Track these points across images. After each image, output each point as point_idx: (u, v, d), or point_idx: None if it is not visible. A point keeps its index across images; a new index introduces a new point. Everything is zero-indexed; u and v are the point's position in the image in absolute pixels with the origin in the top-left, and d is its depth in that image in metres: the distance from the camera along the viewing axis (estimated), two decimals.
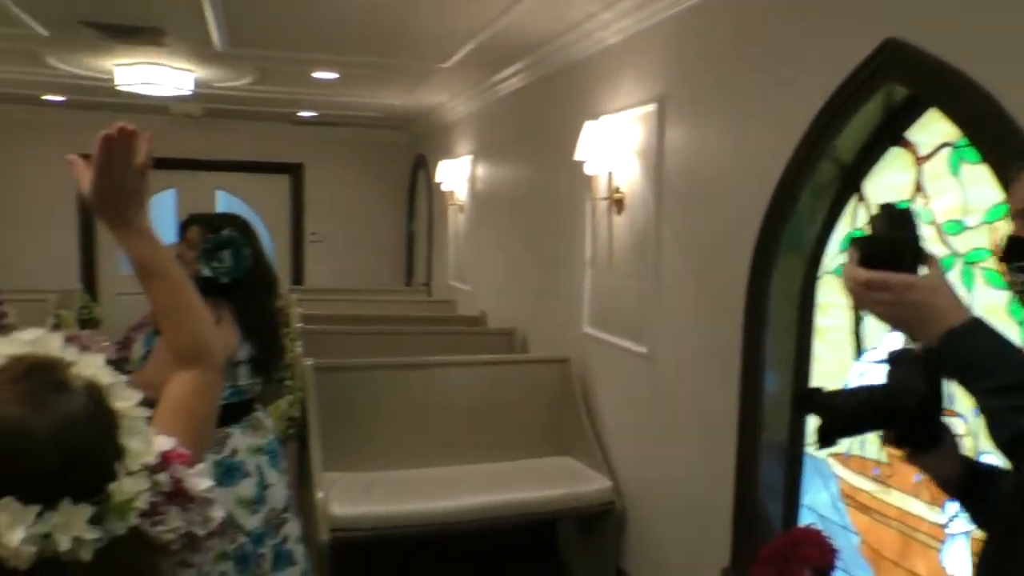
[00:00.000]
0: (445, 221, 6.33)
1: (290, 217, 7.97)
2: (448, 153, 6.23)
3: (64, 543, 0.72)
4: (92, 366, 0.82)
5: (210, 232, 2.35)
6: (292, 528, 2.51)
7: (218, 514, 0.92)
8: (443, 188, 6.09)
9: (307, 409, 3.32)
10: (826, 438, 1.08)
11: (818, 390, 1.12)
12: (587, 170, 3.39)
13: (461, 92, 5.49)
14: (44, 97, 6.53)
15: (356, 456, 3.40)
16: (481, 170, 5.49)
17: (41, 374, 0.78)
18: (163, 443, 0.90)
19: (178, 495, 0.88)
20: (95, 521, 0.75)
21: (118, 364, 2.40)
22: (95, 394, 0.80)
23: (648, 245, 3.08)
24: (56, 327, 5.07)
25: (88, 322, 6.12)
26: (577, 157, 3.36)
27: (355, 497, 3.11)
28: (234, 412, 2.39)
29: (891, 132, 2.13)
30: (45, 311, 5.19)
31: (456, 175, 5.84)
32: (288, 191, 7.96)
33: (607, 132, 3.25)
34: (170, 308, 1.22)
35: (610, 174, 3.31)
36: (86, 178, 1.17)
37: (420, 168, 7.52)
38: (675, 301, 2.95)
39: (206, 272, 2.31)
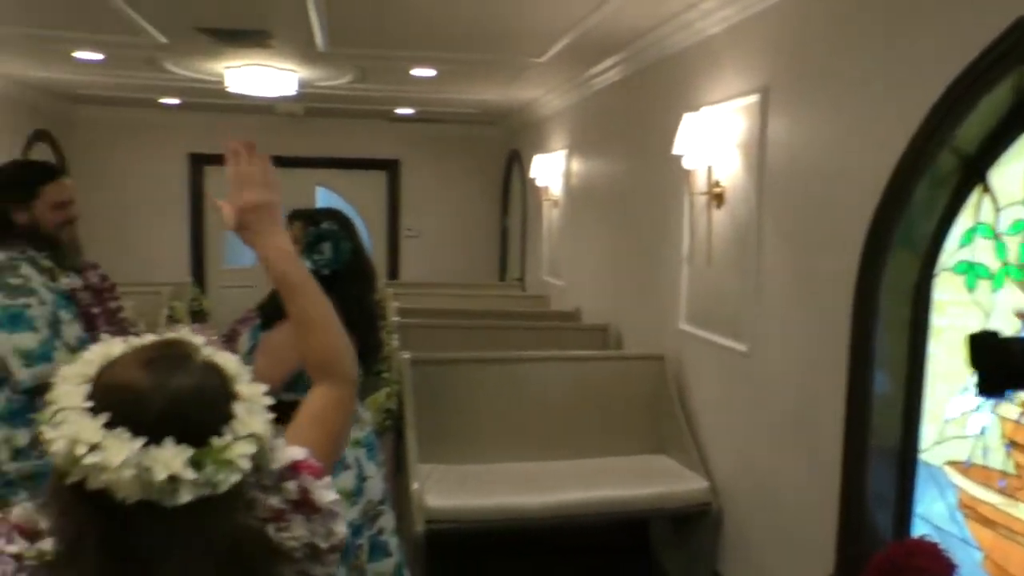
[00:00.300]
0: (539, 216, 6.33)
1: (386, 213, 8.15)
2: (542, 148, 6.22)
3: (160, 474, 0.82)
4: (223, 357, 0.93)
5: (311, 226, 2.41)
6: (387, 520, 2.56)
7: (341, 529, 0.99)
8: (537, 183, 6.08)
9: (403, 401, 3.38)
10: (995, 386, 1.01)
11: (993, 333, 1.05)
12: (685, 164, 3.31)
13: (556, 87, 5.47)
14: (161, 100, 6.89)
15: (450, 448, 3.45)
16: (576, 165, 5.47)
17: (168, 350, 0.91)
18: (295, 453, 1.00)
19: (304, 505, 0.96)
20: (194, 465, 0.84)
21: None
22: (214, 370, 0.91)
23: (749, 240, 2.99)
24: (170, 318, 5.35)
25: (198, 314, 6.41)
26: (675, 151, 3.29)
27: (449, 489, 3.15)
28: None
29: (1021, 120, 1.99)
30: (159, 303, 5.46)
31: (550, 170, 5.83)
32: (385, 187, 8.14)
33: (707, 124, 3.17)
34: (308, 322, 1.29)
35: (709, 168, 3.23)
36: (228, 210, 1.31)
37: (514, 163, 7.55)
38: (777, 298, 2.85)
39: (307, 265, 2.37)
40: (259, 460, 0.90)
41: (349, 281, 2.43)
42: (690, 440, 3.45)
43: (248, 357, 2.41)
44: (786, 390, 2.80)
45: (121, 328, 2.42)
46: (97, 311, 2.36)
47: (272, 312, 2.39)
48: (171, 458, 0.83)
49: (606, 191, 4.84)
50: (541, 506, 3.12)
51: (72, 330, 2.27)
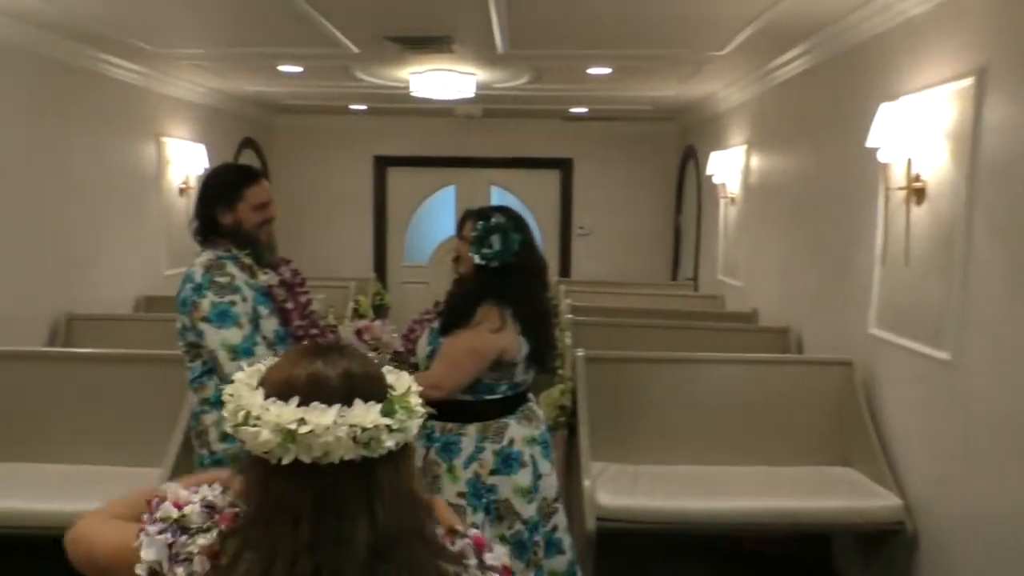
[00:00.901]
0: (715, 214, 6.14)
1: (559, 211, 8.22)
2: (719, 144, 6.04)
3: (367, 424, 0.97)
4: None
5: (481, 221, 2.44)
6: (561, 518, 2.57)
7: None
8: (714, 180, 5.91)
9: (577, 399, 3.40)
10: None
11: None
12: (881, 157, 3.09)
13: (736, 80, 5.29)
14: (351, 107, 7.34)
15: (623, 447, 3.42)
16: (756, 161, 5.26)
17: (318, 346, 1.14)
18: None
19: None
20: (386, 414, 1.00)
21: (404, 356, 2.61)
22: (361, 356, 1.11)
23: (955, 239, 2.74)
24: (355, 312, 5.68)
25: (380, 308, 6.74)
26: (869, 144, 3.08)
27: (622, 488, 3.13)
28: (511, 404, 2.49)
29: None
30: (346, 297, 5.81)
31: (728, 166, 5.65)
32: (557, 186, 8.22)
33: (907, 114, 2.94)
34: None
35: (909, 161, 3.00)
36: None
37: (689, 160, 7.38)
38: (987, 302, 2.59)
39: (477, 259, 2.41)
40: (425, 408, 1.08)
41: (518, 275, 2.44)
42: (880, 453, 3.22)
43: (427, 361, 2.50)
44: (996, 404, 2.54)
45: (312, 321, 2.57)
46: (291, 306, 2.50)
47: (451, 320, 2.47)
48: (366, 412, 0.99)
49: (789, 187, 4.61)
50: (715, 512, 3.03)
51: (270, 324, 2.42)
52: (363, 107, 7.35)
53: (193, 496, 1.08)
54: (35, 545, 3.36)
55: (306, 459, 0.97)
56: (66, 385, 3.42)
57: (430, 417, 2.47)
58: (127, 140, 5.12)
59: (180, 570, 1.00)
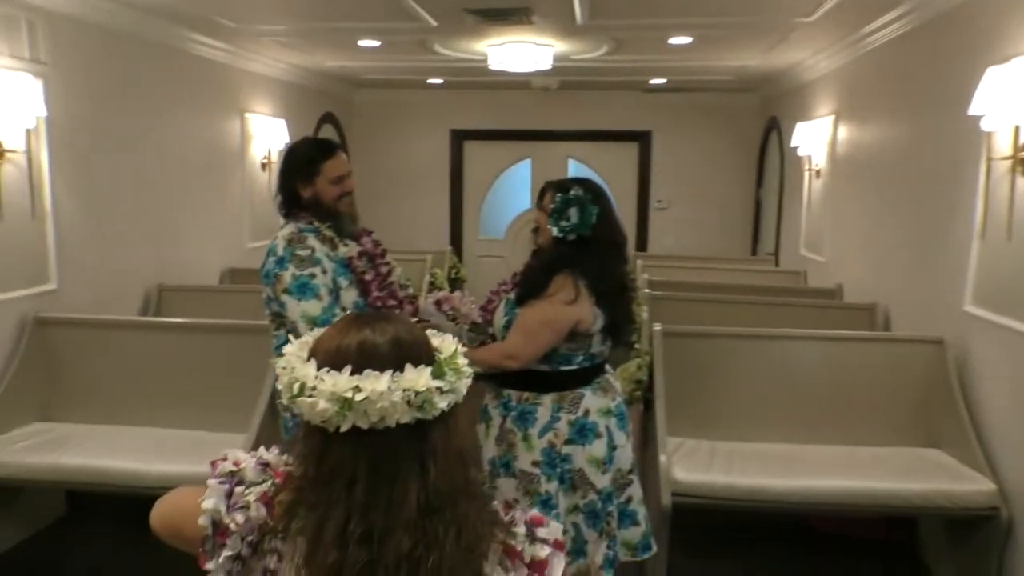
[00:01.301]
0: (798, 187, 5.95)
1: (636, 184, 8.10)
2: (805, 115, 5.82)
3: (420, 387, 1.01)
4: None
5: (560, 193, 2.42)
6: (636, 490, 2.56)
7: None
8: (798, 152, 5.72)
9: (654, 373, 3.36)
10: None
11: None
12: (985, 125, 2.92)
13: (824, 48, 5.08)
14: (428, 81, 7.38)
15: (699, 423, 3.38)
16: (843, 131, 5.05)
17: (364, 315, 1.13)
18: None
19: (533, 567, 1.08)
20: (437, 376, 1.03)
21: (481, 327, 2.62)
22: (408, 323, 1.13)
23: None
24: (431, 284, 5.74)
25: (455, 281, 6.80)
26: (972, 111, 2.91)
27: (698, 464, 3.09)
28: (587, 375, 2.48)
29: None
30: (423, 270, 5.88)
31: (814, 138, 5.45)
32: (635, 159, 8.09)
33: (1019, 77, 2.75)
34: None
35: (1016, 128, 2.82)
36: None
37: (771, 132, 7.15)
38: None
39: (555, 232, 2.40)
40: (471, 368, 1.10)
41: (595, 247, 2.42)
42: (972, 436, 3.08)
43: (504, 331, 2.51)
44: None
45: (391, 292, 2.60)
46: (370, 277, 2.54)
47: (526, 290, 2.46)
48: (418, 376, 1.02)
49: (879, 159, 4.42)
50: (794, 491, 2.96)
51: (349, 296, 2.46)
52: (440, 81, 7.37)
53: (251, 458, 1.15)
54: (126, 502, 3.56)
55: (363, 425, 1.00)
56: (158, 353, 3.58)
57: (505, 386, 2.50)
58: (213, 117, 5.28)
59: (238, 516, 1.07)
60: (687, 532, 3.30)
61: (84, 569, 3.37)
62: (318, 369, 1.04)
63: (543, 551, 1.07)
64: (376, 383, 1.00)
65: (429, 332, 1.13)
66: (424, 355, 1.06)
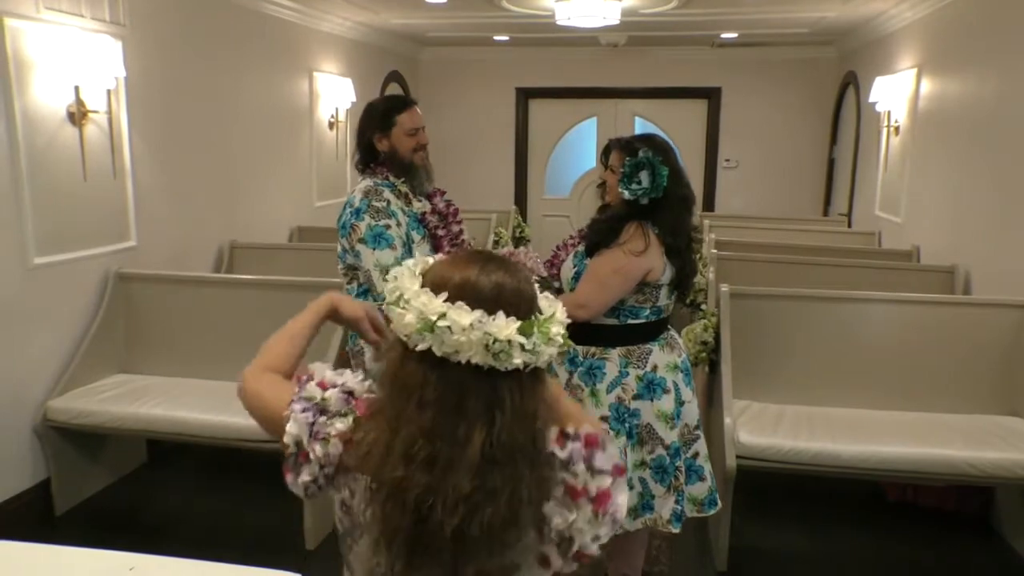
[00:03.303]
0: (875, 145, 5.72)
1: (705, 143, 7.92)
2: (886, 69, 5.56)
3: (501, 335, 1.02)
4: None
5: (628, 155, 2.39)
6: (702, 446, 2.56)
7: (592, 546, 1.07)
8: (876, 108, 5.48)
9: (720, 335, 3.31)
10: None
11: None
12: None
13: None
14: (494, 38, 7.31)
15: (766, 386, 3.33)
16: (927, 85, 4.82)
17: (486, 254, 1.14)
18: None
19: (596, 501, 1.07)
20: (523, 333, 1.03)
21: (548, 281, 2.63)
22: (526, 278, 1.12)
23: None
24: (496, 243, 5.76)
25: (520, 240, 6.79)
26: None
27: (763, 427, 3.05)
28: (653, 329, 2.48)
29: None
30: (487, 229, 5.89)
31: (894, 93, 5.21)
32: (704, 116, 7.89)
33: None
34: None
35: None
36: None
37: (848, 87, 6.87)
38: None
39: (627, 195, 2.38)
40: (566, 341, 1.10)
41: (667, 204, 2.40)
42: None
43: (572, 283, 2.51)
44: None
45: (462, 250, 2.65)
46: (442, 233, 2.60)
47: (597, 240, 2.46)
48: (505, 325, 1.03)
49: (965, 115, 4.20)
50: (864, 456, 2.90)
51: (421, 250, 2.52)
52: (506, 38, 7.29)
53: (337, 378, 1.17)
54: (203, 450, 3.72)
55: (437, 352, 1.03)
56: (231, 309, 3.69)
57: (571, 340, 2.51)
58: (283, 76, 5.35)
59: (317, 447, 1.11)
60: (751, 495, 3.28)
61: (165, 513, 3.55)
62: (421, 287, 1.07)
63: (605, 482, 1.07)
64: (462, 316, 1.02)
65: (542, 295, 1.13)
66: (522, 308, 1.07)
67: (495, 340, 1.02)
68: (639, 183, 2.35)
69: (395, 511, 1.04)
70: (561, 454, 1.08)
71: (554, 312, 1.10)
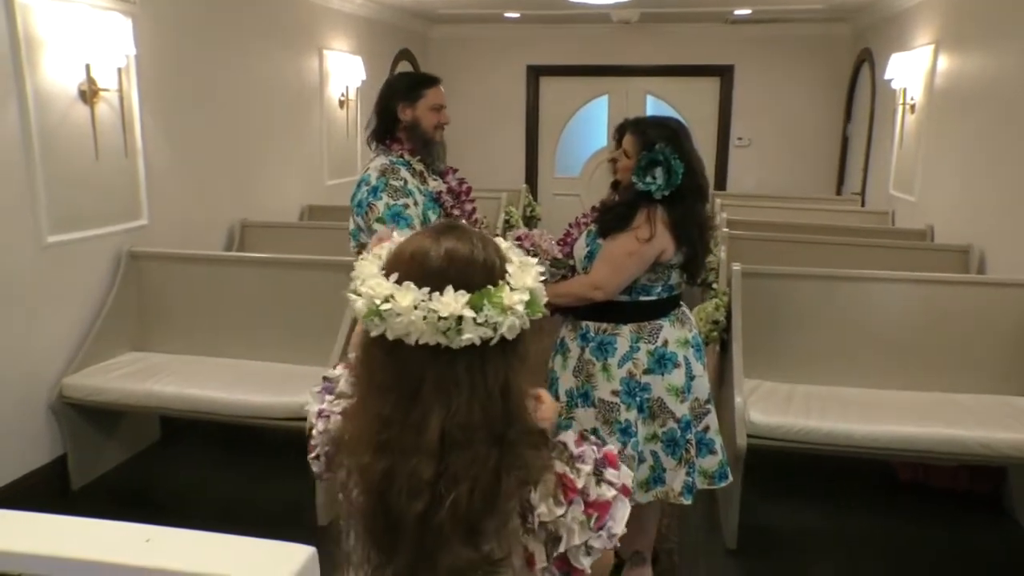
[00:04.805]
0: (890, 123, 5.65)
1: (717, 121, 7.85)
2: (902, 45, 5.49)
3: (444, 312, 0.96)
4: (497, 239, 1.10)
5: (643, 146, 2.38)
6: (712, 420, 2.57)
7: (599, 546, 1.03)
8: (892, 86, 5.41)
9: (731, 313, 3.31)
10: None
11: None
12: None
13: None
14: (505, 15, 7.24)
15: (777, 365, 3.33)
16: (944, 62, 4.75)
17: (448, 224, 1.09)
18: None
19: (593, 506, 1.03)
20: (473, 307, 0.97)
21: (562, 261, 2.62)
22: (488, 243, 1.07)
23: None
24: (506, 222, 5.74)
25: (530, 219, 6.77)
26: None
27: (774, 406, 3.05)
28: (665, 305, 2.49)
29: None
30: (498, 208, 5.87)
31: (910, 70, 5.14)
32: (716, 94, 7.82)
33: None
34: None
35: None
36: None
37: (863, 65, 6.78)
38: None
39: (640, 187, 2.37)
40: (532, 308, 1.02)
41: (680, 198, 2.40)
42: None
43: (585, 262, 2.51)
44: None
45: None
46: (457, 213, 2.60)
47: (611, 223, 2.45)
48: (451, 300, 0.97)
49: (983, 92, 4.15)
50: (875, 436, 2.89)
51: None
52: (517, 15, 7.23)
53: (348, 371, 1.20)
54: (215, 427, 3.75)
55: (390, 336, 0.99)
56: (242, 287, 3.71)
57: (583, 317, 2.52)
58: (293, 54, 5.33)
59: (320, 424, 1.16)
60: (762, 474, 3.28)
61: (178, 488, 3.59)
62: (379, 270, 1.04)
63: (608, 493, 1.03)
64: (405, 297, 0.97)
65: (520, 259, 1.07)
66: (476, 279, 1.01)
67: (439, 318, 0.97)
68: (653, 179, 2.35)
69: (363, 497, 1.04)
70: (573, 449, 1.05)
71: (522, 279, 1.03)
